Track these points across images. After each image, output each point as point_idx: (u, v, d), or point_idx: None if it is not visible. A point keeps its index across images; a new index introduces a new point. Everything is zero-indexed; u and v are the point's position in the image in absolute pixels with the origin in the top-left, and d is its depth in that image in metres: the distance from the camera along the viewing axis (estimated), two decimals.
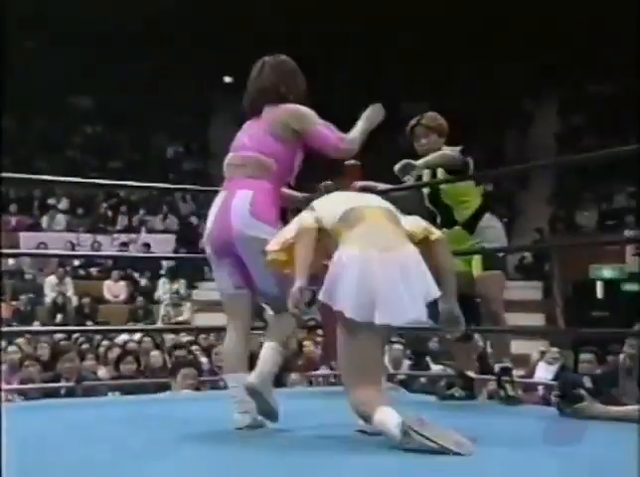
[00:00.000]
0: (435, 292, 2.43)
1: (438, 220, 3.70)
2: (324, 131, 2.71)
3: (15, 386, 5.41)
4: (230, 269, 2.71)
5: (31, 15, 13.21)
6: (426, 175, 3.83)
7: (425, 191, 3.76)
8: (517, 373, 7.52)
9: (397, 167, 3.44)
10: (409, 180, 3.77)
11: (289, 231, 2.52)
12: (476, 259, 3.60)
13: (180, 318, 10.74)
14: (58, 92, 14.83)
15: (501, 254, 3.75)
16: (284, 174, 2.74)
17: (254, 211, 2.61)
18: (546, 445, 2.40)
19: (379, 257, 2.37)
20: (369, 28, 13.78)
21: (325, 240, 2.48)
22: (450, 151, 3.61)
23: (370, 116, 2.88)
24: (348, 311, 2.34)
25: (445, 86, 15.15)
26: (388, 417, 2.28)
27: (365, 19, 13.56)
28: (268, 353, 2.62)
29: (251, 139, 2.72)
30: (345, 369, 2.43)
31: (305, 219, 2.51)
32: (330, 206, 2.54)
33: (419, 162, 3.46)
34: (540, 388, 6.16)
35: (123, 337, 7.69)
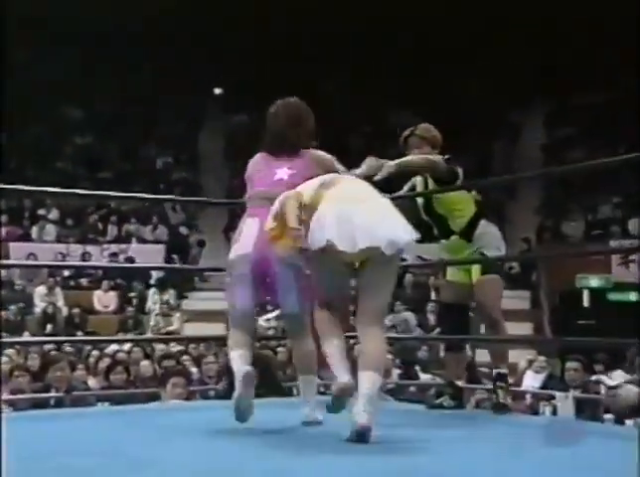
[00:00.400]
0: (413, 233, 2.70)
1: (435, 231, 3.69)
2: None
3: (4, 396, 5.38)
4: (251, 289, 3.00)
5: (21, 26, 13.19)
6: (419, 185, 3.82)
7: (420, 202, 3.72)
8: None
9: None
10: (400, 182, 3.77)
11: (275, 207, 2.80)
12: (475, 267, 3.59)
13: (170, 328, 10.70)
14: (48, 103, 14.81)
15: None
16: None
17: None
18: (543, 448, 2.42)
19: (355, 207, 2.66)
20: (357, 37, 13.86)
21: (307, 215, 2.71)
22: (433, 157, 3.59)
23: (367, 168, 3.21)
24: (330, 240, 2.60)
25: (432, 97, 15.23)
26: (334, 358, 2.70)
27: (354, 30, 13.64)
28: (307, 386, 3.04)
29: (290, 177, 3.00)
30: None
31: (288, 193, 2.80)
32: (309, 183, 2.85)
33: (391, 163, 3.30)
34: (527, 396, 6.18)
35: (113, 347, 7.66)
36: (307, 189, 2.80)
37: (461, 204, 3.60)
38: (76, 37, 13.59)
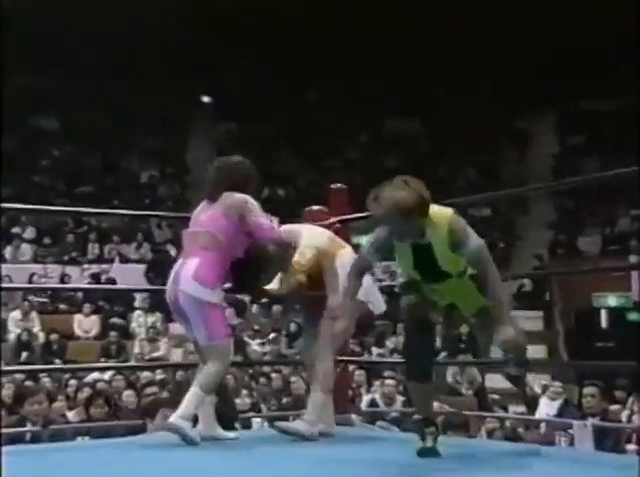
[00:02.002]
0: None
1: None
2: (261, 220, 3.48)
3: None
4: (186, 326, 3.54)
5: None
6: None
7: None
8: (517, 409, 7.52)
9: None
10: None
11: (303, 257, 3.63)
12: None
13: (156, 354, 10.66)
14: (22, 113, 14.84)
15: None
16: (231, 248, 3.50)
17: (197, 275, 3.40)
18: None
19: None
20: (356, 44, 13.95)
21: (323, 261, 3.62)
22: None
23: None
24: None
25: (434, 105, 15.30)
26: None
27: (355, 34, 13.75)
28: (191, 396, 3.36)
29: (209, 218, 3.52)
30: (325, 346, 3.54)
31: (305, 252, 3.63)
32: (314, 230, 3.77)
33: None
34: (542, 425, 6.16)
35: (94, 375, 7.62)
36: (316, 236, 3.68)
37: None
38: (54, 43, 13.64)
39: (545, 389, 7.23)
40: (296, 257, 3.58)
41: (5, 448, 4.09)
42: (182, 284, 3.41)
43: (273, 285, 3.70)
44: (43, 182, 14.80)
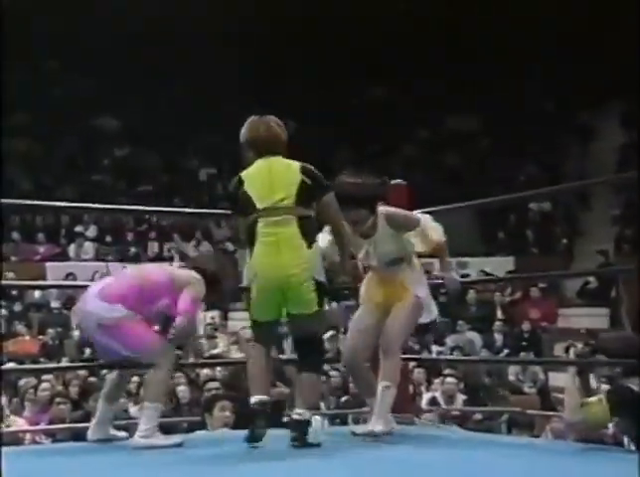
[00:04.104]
0: None
1: None
2: (188, 297, 3.44)
3: (42, 426, 5.50)
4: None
5: (55, 35, 13.58)
6: None
7: None
8: None
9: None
10: None
11: None
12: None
13: (214, 351, 10.76)
14: (83, 114, 15.16)
15: None
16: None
17: (102, 294, 3.37)
18: None
19: None
20: (410, 41, 13.92)
21: None
22: None
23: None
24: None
25: (495, 100, 15.12)
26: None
27: (412, 33, 13.73)
28: (145, 412, 3.35)
29: None
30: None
31: None
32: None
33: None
34: (609, 425, 6.02)
35: None
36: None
37: None
38: (115, 44, 13.92)
39: None
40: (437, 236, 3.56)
41: (70, 444, 4.19)
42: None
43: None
44: (104, 181, 15.08)
